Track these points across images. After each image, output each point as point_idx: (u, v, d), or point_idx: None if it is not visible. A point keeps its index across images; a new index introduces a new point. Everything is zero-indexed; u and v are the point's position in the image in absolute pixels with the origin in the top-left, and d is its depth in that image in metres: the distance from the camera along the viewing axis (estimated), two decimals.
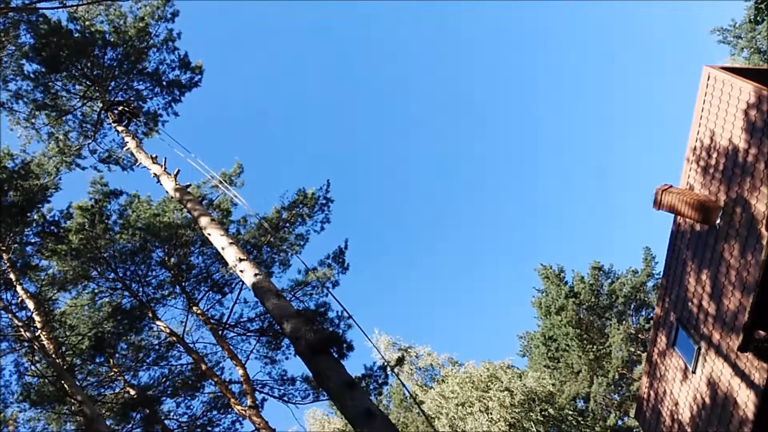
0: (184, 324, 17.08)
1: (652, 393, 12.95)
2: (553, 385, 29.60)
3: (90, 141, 17.58)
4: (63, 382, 13.68)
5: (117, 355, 17.12)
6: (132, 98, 17.12)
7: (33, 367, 15.23)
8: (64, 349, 15.90)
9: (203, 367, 16.37)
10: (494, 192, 71.89)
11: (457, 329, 59.10)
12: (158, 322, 16.90)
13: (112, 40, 16.27)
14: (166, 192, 13.11)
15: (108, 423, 14.61)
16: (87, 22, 16.17)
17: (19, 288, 15.44)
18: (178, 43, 17.10)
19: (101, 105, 16.67)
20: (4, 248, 15.50)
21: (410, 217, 73.32)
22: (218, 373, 16.93)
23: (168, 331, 16.75)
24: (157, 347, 17.57)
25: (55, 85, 16.71)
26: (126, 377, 17.04)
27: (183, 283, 17.30)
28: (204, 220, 10.53)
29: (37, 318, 15.30)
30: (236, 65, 64.41)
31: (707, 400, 10.36)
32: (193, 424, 17.08)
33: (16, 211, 15.20)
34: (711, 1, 55.73)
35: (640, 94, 70.38)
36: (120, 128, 15.69)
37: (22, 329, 14.67)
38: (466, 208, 70.58)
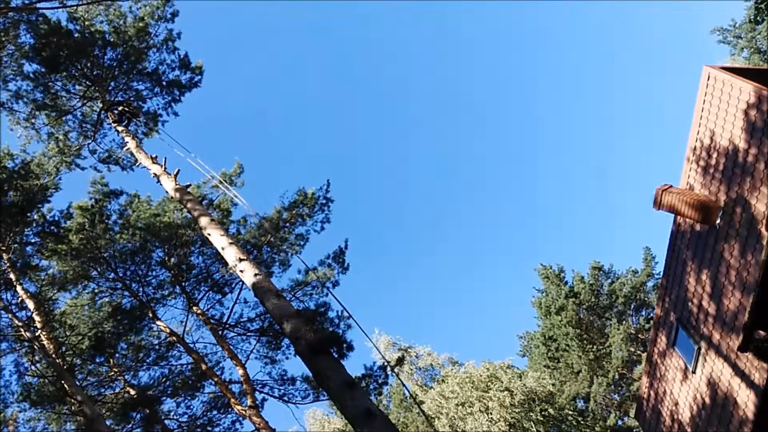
0: (184, 324, 17.11)
1: (652, 393, 12.95)
2: (553, 385, 29.60)
3: (90, 141, 17.60)
4: (63, 382, 13.68)
5: (117, 355, 17.12)
6: (132, 98, 17.13)
7: (33, 367, 15.23)
8: (64, 349, 15.90)
9: (203, 367, 16.37)
10: (494, 192, 71.96)
11: (457, 329, 59.16)
12: (158, 322, 16.90)
13: (111, 40, 16.27)
14: (166, 192, 13.11)
15: (108, 423, 14.61)
16: (87, 22, 16.18)
17: (19, 288, 15.44)
18: (178, 43, 17.14)
19: (101, 105, 16.67)
20: (4, 248, 15.50)
21: (410, 217, 73.38)
22: (218, 373, 16.94)
23: (168, 331, 16.75)
24: (157, 347, 17.57)
25: (55, 85, 16.71)
26: (126, 377, 17.04)
27: (183, 283, 17.30)
28: (204, 220, 10.53)
29: (37, 318, 15.31)
30: (236, 65, 64.49)
31: (707, 400, 10.36)
32: (193, 424, 17.08)
33: (16, 211, 15.20)
34: (711, 1, 55.77)
35: (640, 94, 70.46)
36: (120, 128, 15.69)
37: (22, 329, 14.67)
38: (466, 208, 70.64)
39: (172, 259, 17.25)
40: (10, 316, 14.97)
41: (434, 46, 71.22)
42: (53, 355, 14.42)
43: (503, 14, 67.66)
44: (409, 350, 33.86)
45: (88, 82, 16.84)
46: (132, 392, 16.47)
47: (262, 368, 17.13)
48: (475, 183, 72.44)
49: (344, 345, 13.32)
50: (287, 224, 17.82)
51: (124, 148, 15.83)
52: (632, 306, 31.59)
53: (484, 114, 72.52)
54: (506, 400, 26.77)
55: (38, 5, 14.87)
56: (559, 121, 70.49)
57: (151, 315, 16.83)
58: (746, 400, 9.14)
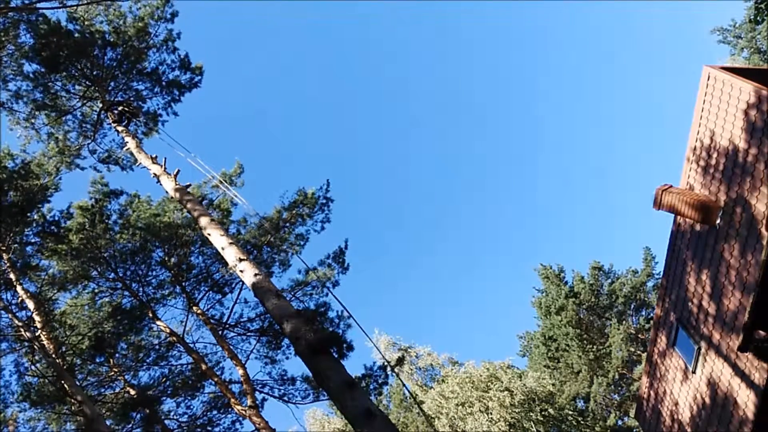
0: (184, 324, 17.11)
1: (652, 393, 12.95)
2: (553, 385, 29.60)
3: (90, 141, 17.61)
4: (63, 382, 13.67)
5: (117, 355, 17.11)
6: (132, 98, 17.14)
7: (33, 367, 15.22)
8: (64, 349, 15.89)
9: (203, 367, 16.37)
10: (494, 192, 71.96)
11: (457, 329, 59.16)
12: (158, 322, 16.90)
13: (111, 40, 16.27)
14: (166, 192, 13.11)
15: (108, 423, 14.60)
16: (86, 22, 16.18)
17: (19, 288, 15.44)
18: (178, 43, 17.16)
19: (101, 105, 16.67)
20: (4, 248, 15.50)
21: (410, 217, 73.39)
22: (218, 373, 16.94)
23: (168, 331, 16.74)
24: (157, 347, 17.57)
25: (55, 85, 16.72)
26: (126, 377, 17.04)
27: (183, 283, 17.29)
28: (204, 220, 10.53)
29: (37, 318, 15.30)
30: (236, 65, 64.50)
31: (707, 400, 10.36)
32: (193, 424, 17.08)
33: (16, 211, 15.20)
34: (711, 1, 55.78)
35: (640, 94, 70.46)
36: (120, 128, 15.70)
37: (22, 329, 14.67)
38: (466, 208, 70.64)
39: (172, 259, 17.25)
40: (10, 316, 14.97)
41: (434, 46, 71.29)
42: (53, 355, 14.41)
43: (503, 14, 67.73)
44: (409, 350, 33.86)
45: (87, 82, 16.85)
46: (132, 392, 16.47)
47: (262, 368, 17.16)
48: (475, 183, 72.51)
49: (344, 345, 13.33)
50: (287, 224, 17.82)
51: (124, 148, 15.83)
52: (632, 306, 31.58)
53: (484, 114, 72.59)
54: (506, 400, 26.77)
55: (38, 5, 14.88)
56: (559, 121, 70.56)
57: (151, 315, 16.83)
58: (746, 400, 9.14)
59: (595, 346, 30.43)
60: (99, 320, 16.44)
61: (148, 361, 17.28)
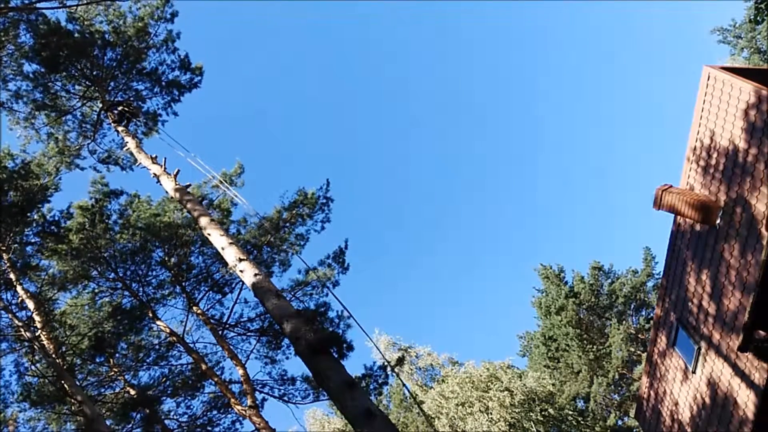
0: (184, 324, 17.11)
1: (652, 393, 12.95)
2: (553, 385, 29.59)
3: (89, 141, 17.62)
4: (63, 382, 13.67)
5: (117, 355, 17.11)
6: (131, 98, 17.14)
7: (33, 367, 15.22)
8: (64, 349, 15.89)
9: (203, 367, 16.37)
10: (494, 192, 71.96)
11: (457, 329, 59.16)
12: (158, 322, 16.90)
13: (111, 40, 16.27)
14: (166, 192, 13.11)
15: (108, 423, 14.60)
16: (86, 22, 16.18)
17: (19, 288, 15.44)
18: (178, 43, 17.17)
19: (101, 105, 16.67)
20: (4, 248, 15.50)
21: (410, 217, 73.39)
22: (218, 372, 16.93)
23: (168, 330, 16.74)
24: (157, 347, 17.56)
25: (55, 86, 16.72)
26: (126, 377, 17.04)
27: (183, 283, 17.29)
28: (204, 221, 10.53)
29: (37, 318, 15.30)
30: (236, 65, 64.50)
31: (707, 400, 10.36)
32: (193, 423, 17.08)
33: (16, 211, 15.20)
34: (711, 1, 55.78)
35: (640, 94, 70.47)
36: (120, 128, 15.70)
37: (22, 329, 14.66)
38: (466, 208, 70.65)
39: (172, 259, 17.25)
40: (10, 316, 14.97)
41: (434, 46, 71.29)
42: (53, 355, 14.41)
43: (503, 14, 67.73)
44: (409, 350, 33.86)
45: (87, 82, 16.85)
46: (132, 392, 16.47)
47: (262, 368, 17.17)
48: (475, 183, 72.52)
49: (344, 345, 13.33)
50: (287, 224, 17.82)
51: (124, 148, 15.83)
52: (632, 306, 31.58)
53: (484, 114, 72.59)
54: (506, 400, 26.77)
55: (38, 5, 14.88)
56: (559, 121, 70.56)
57: (151, 315, 16.83)
58: (746, 400, 9.14)
59: (595, 346, 30.44)
60: (99, 320, 16.44)
61: (148, 361, 17.29)
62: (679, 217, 11.58)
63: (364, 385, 15.46)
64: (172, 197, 13.35)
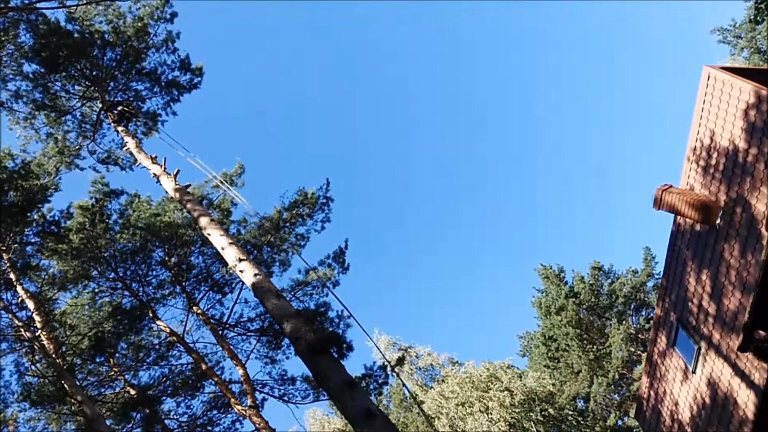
0: (184, 324, 17.11)
1: (652, 393, 12.95)
2: (553, 385, 29.60)
3: (89, 141, 17.63)
4: (63, 382, 13.67)
5: (117, 354, 17.11)
6: (131, 98, 17.14)
7: (33, 367, 15.22)
8: (64, 349, 15.89)
9: (203, 366, 16.37)
10: (494, 192, 71.97)
11: (457, 329, 59.16)
12: (158, 322, 16.90)
13: (111, 40, 16.27)
14: (166, 192, 13.11)
15: (108, 423, 14.60)
16: (86, 22, 16.18)
17: (19, 288, 15.44)
18: (178, 43, 17.16)
19: (100, 105, 16.67)
20: (4, 248, 15.49)
21: (410, 217, 73.39)
22: (218, 372, 16.93)
23: (168, 330, 16.74)
24: (157, 347, 17.57)
25: (55, 86, 16.72)
26: (126, 377, 17.04)
27: (183, 283, 17.29)
28: (204, 221, 10.53)
29: (37, 318, 15.30)
30: (236, 65, 64.50)
31: (707, 400, 10.36)
32: (193, 423, 17.08)
33: (16, 211, 15.20)
34: (711, 1, 55.79)
35: (640, 94, 70.48)
36: (119, 128, 15.70)
37: (22, 329, 14.67)
38: (466, 208, 70.66)
39: (173, 259, 17.25)
40: (10, 316, 14.97)
41: (434, 46, 71.30)
42: (53, 355, 14.41)
43: (503, 14, 67.74)
44: (409, 350, 33.86)
45: (87, 83, 16.85)
46: (132, 392, 16.47)
47: (262, 368, 17.17)
48: (475, 183, 72.52)
49: (344, 345, 13.31)
50: (287, 224, 17.81)
51: (124, 148, 15.83)
52: (632, 306, 31.58)
53: (484, 114, 72.60)
54: (506, 400, 26.77)
55: (38, 5, 14.88)
56: (559, 121, 70.56)
57: (151, 315, 16.83)
58: (746, 400, 9.14)
59: (595, 346, 30.43)
60: (99, 320, 16.44)
61: (148, 360, 17.29)
62: (679, 217, 11.58)
63: (364, 385, 15.46)
64: (172, 197, 13.35)
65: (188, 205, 11.61)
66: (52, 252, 15.82)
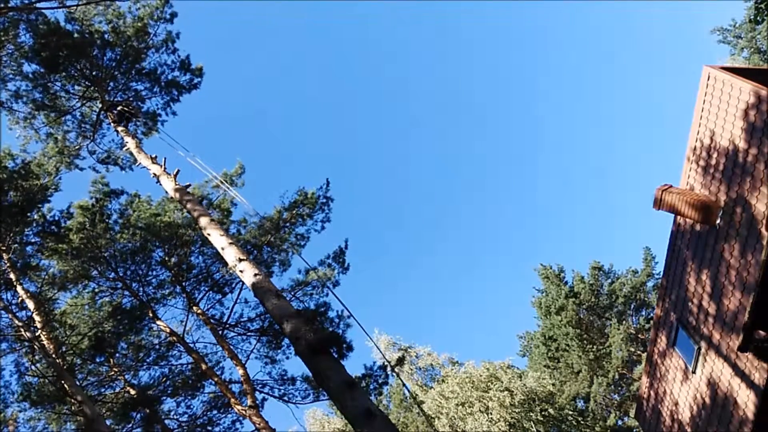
0: (184, 324, 17.11)
1: (652, 393, 12.95)
2: (553, 385, 29.60)
3: (89, 141, 17.63)
4: (63, 382, 13.67)
5: (117, 354, 17.11)
6: (131, 98, 17.14)
7: (33, 367, 15.22)
8: (64, 348, 15.89)
9: (203, 366, 16.37)
10: (494, 192, 71.97)
11: (457, 329, 59.16)
12: (158, 322, 16.90)
13: (110, 40, 16.27)
14: (166, 192, 13.11)
15: (108, 423, 14.60)
16: (86, 22, 16.18)
17: (19, 288, 15.44)
18: (178, 44, 17.17)
19: (100, 105, 16.67)
20: (4, 248, 15.49)
21: (410, 217, 73.39)
22: (218, 372, 16.94)
23: (168, 330, 16.74)
24: (157, 347, 17.57)
25: (55, 86, 16.73)
26: (126, 377, 17.04)
27: (183, 283, 17.29)
28: (204, 221, 10.53)
29: (37, 318, 15.30)
30: (236, 65, 64.49)
31: (707, 400, 10.36)
32: (193, 423, 17.08)
33: (16, 211, 15.20)
34: (711, 1, 55.79)
35: (640, 94, 70.48)
36: (119, 128, 15.71)
37: (22, 329, 14.66)
38: (466, 208, 70.66)
39: (173, 259, 17.25)
40: (10, 316, 14.97)
41: (434, 46, 71.29)
42: (53, 355, 14.41)
43: (503, 14, 67.73)
44: (409, 350, 33.86)
45: (87, 83, 16.85)
46: (132, 392, 16.47)
47: (262, 368, 17.17)
48: (475, 183, 72.53)
49: (344, 345, 13.31)
50: (287, 224, 17.81)
51: (124, 148, 15.84)
52: (632, 306, 31.58)
53: (484, 114, 72.59)
54: (506, 400, 26.77)
55: (38, 5, 14.88)
56: (559, 121, 70.57)
57: (151, 315, 16.83)
58: (746, 400, 9.14)
59: (595, 346, 30.43)
60: (99, 320, 16.44)
61: (148, 360, 17.29)
62: (679, 217, 11.58)
63: (364, 385, 15.46)
64: (172, 197, 13.35)
65: (188, 205, 11.61)
66: (52, 252, 15.82)
